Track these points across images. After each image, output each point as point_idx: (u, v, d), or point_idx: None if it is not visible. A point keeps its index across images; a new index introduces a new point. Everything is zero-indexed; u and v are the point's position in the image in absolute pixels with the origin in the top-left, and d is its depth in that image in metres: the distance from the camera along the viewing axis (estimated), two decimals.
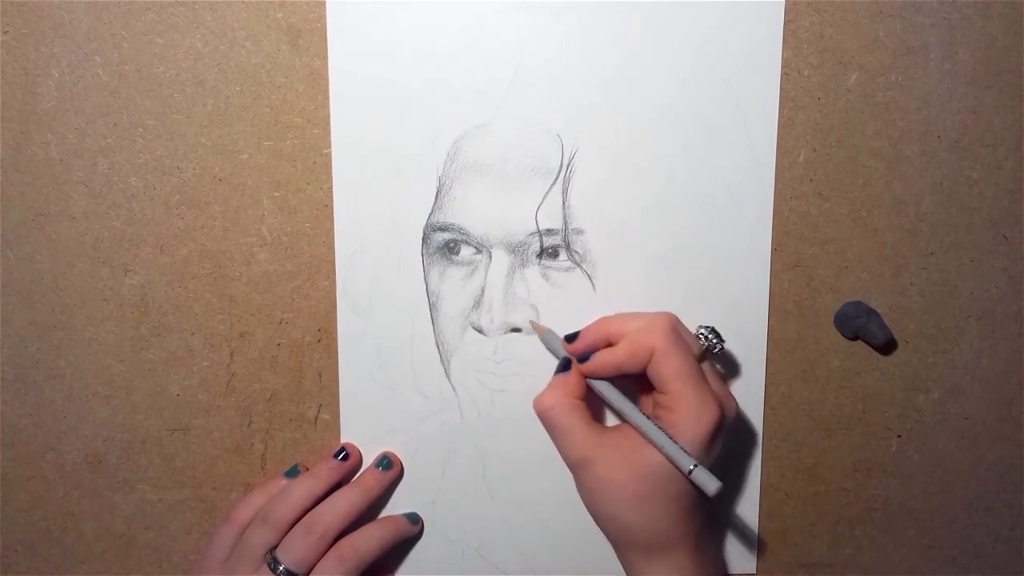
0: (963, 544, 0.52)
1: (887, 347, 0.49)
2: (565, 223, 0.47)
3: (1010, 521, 0.52)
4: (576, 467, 0.43)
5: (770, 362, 0.49)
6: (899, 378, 0.50)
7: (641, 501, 0.41)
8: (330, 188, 0.47)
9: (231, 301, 0.48)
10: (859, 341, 0.49)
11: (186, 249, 0.47)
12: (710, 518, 0.44)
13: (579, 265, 0.47)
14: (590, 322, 0.46)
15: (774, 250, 0.48)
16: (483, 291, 0.47)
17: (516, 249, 0.47)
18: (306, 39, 0.46)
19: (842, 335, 0.49)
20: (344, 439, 0.49)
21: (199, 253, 0.47)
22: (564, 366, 0.46)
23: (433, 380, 0.48)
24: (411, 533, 0.49)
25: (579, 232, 0.47)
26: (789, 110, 0.47)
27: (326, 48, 0.45)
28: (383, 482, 0.48)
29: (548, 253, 0.47)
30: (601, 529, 0.44)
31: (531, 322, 0.47)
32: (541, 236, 0.47)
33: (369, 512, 0.48)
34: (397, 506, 0.50)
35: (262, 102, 0.46)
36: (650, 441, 0.42)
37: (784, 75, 0.46)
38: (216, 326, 0.48)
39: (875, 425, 0.50)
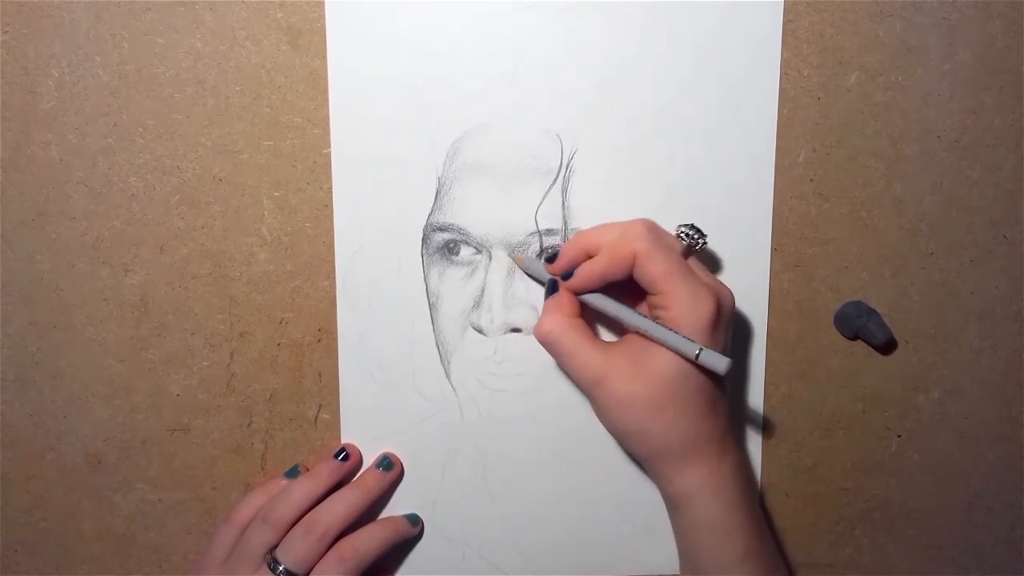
0: (963, 544, 0.52)
1: (887, 347, 0.49)
2: (565, 223, 0.47)
3: (1010, 521, 0.52)
4: (590, 386, 0.43)
5: (770, 362, 0.49)
6: (899, 378, 0.50)
7: (660, 408, 0.41)
8: (330, 188, 0.47)
9: (231, 301, 0.48)
10: (859, 341, 0.49)
11: (186, 249, 0.47)
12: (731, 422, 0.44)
13: None
14: (569, 239, 0.46)
15: (774, 250, 0.48)
16: (483, 291, 0.47)
17: (516, 249, 0.47)
18: (306, 39, 0.46)
19: (842, 335, 0.49)
20: (344, 440, 0.49)
21: (199, 253, 0.47)
22: (552, 288, 0.45)
23: (433, 380, 0.48)
24: (411, 534, 0.49)
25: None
26: (789, 110, 0.47)
27: (326, 48, 0.45)
28: (383, 483, 0.48)
29: (548, 253, 0.47)
30: (624, 446, 0.43)
31: (511, 256, 0.47)
32: (541, 236, 0.47)
33: (369, 513, 0.48)
34: (397, 507, 0.50)
35: (262, 102, 0.46)
36: (653, 338, 0.41)
37: (784, 75, 0.46)
38: (216, 326, 0.48)
39: (875, 425, 0.50)
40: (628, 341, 0.43)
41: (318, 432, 0.49)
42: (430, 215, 0.47)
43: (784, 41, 0.46)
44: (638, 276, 0.42)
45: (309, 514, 0.46)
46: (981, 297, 0.49)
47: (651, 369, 0.41)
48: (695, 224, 0.44)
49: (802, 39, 0.46)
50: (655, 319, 0.42)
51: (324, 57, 0.46)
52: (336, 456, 0.48)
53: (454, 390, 0.49)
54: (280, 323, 0.48)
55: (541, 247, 0.47)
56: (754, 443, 0.50)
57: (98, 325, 0.48)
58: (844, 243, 0.48)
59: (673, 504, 0.43)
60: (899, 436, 0.51)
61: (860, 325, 0.48)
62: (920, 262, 0.49)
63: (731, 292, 0.43)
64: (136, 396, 0.49)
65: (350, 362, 0.48)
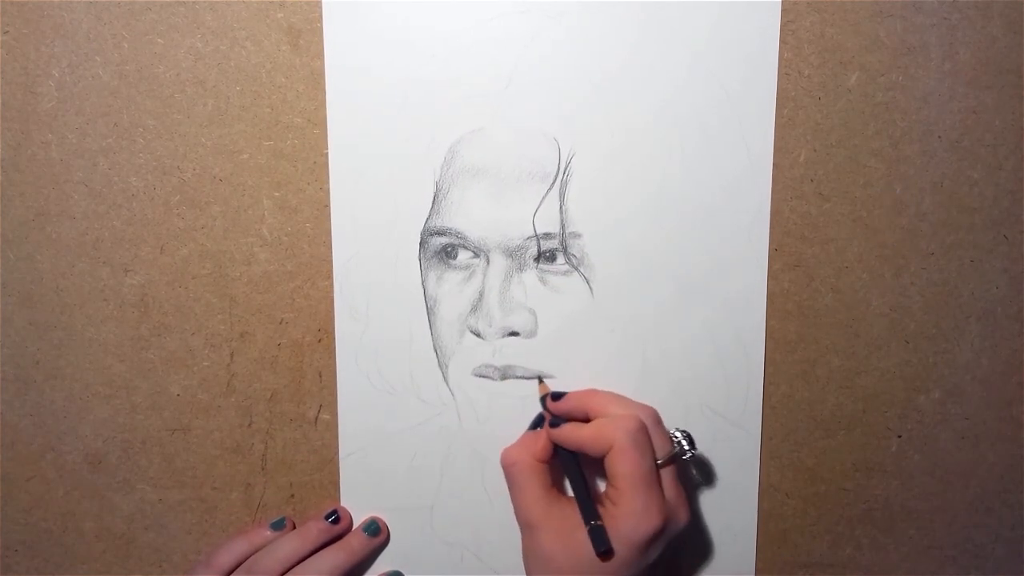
0: (963, 544, 0.52)
1: None
2: (562, 227, 0.47)
3: (1010, 521, 0.52)
4: (522, 528, 0.44)
5: (770, 362, 0.49)
6: (899, 378, 0.50)
7: None
8: (330, 189, 0.47)
9: (231, 301, 0.48)
10: (861, 340, 0.49)
11: (186, 249, 0.47)
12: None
13: (576, 269, 0.47)
14: (580, 390, 0.47)
15: (774, 250, 0.48)
16: (481, 295, 0.47)
17: (513, 253, 0.47)
18: (306, 39, 0.46)
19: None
20: (342, 443, 0.49)
21: (199, 253, 0.47)
22: (537, 423, 0.47)
23: (431, 384, 0.48)
24: None
25: (576, 236, 0.47)
26: (789, 110, 0.47)
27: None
28: (368, 547, 0.49)
29: (545, 257, 0.47)
30: None
31: (539, 379, 0.48)
32: (538, 240, 0.47)
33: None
34: (391, 526, 0.50)
35: (262, 102, 0.46)
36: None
37: (784, 75, 0.46)
38: (216, 326, 0.48)
39: (875, 425, 0.50)
40: (574, 506, 0.44)
41: (318, 432, 0.49)
42: (428, 219, 0.47)
43: (784, 41, 0.46)
44: (607, 466, 0.42)
45: (292, 571, 0.46)
46: (981, 297, 0.49)
47: (578, 542, 0.42)
48: (691, 434, 0.45)
49: (802, 39, 0.46)
50: (605, 505, 0.43)
51: (324, 58, 0.46)
52: (327, 518, 0.48)
53: (452, 393, 0.48)
54: (280, 323, 0.48)
55: (539, 251, 0.47)
56: (754, 443, 0.50)
57: (98, 325, 0.48)
58: (844, 243, 0.48)
59: None
60: (899, 436, 0.51)
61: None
62: (920, 262, 0.49)
63: (688, 515, 0.44)
64: (136, 396, 0.49)
65: (348, 366, 0.48)
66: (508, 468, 0.45)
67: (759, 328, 0.49)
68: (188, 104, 0.46)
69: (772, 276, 0.48)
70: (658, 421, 0.44)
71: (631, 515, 0.41)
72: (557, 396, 0.46)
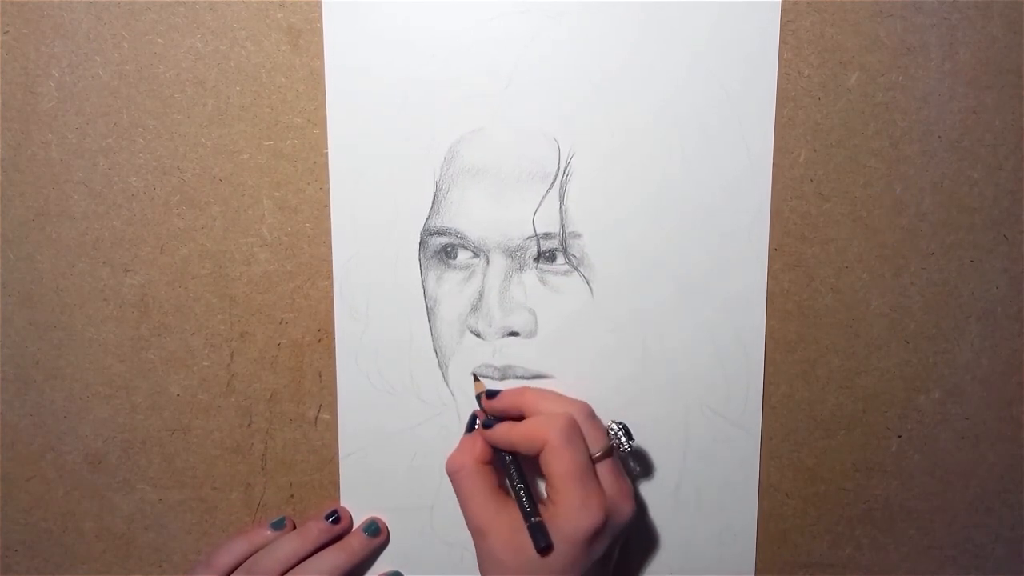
0: (963, 544, 0.52)
1: None
2: (562, 227, 0.47)
3: (1010, 521, 0.52)
4: (472, 534, 0.44)
5: (770, 362, 0.49)
6: (899, 378, 0.50)
7: None
8: (330, 189, 0.47)
9: (231, 301, 0.48)
10: (861, 340, 0.49)
11: (186, 249, 0.47)
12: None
13: (576, 269, 0.47)
14: (512, 388, 0.46)
15: (774, 250, 0.48)
16: (480, 295, 0.47)
17: (513, 253, 0.47)
18: (306, 39, 0.46)
19: None
20: (342, 443, 0.49)
21: (199, 253, 0.47)
22: (471, 424, 0.47)
23: (431, 384, 0.48)
24: None
25: (576, 236, 0.47)
26: (789, 110, 0.47)
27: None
28: (368, 547, 0.49)
29: (545, 257, 0.47)
30: None
31: (473, 375, 0.48)
32: (538, 240, 0.47)
33: None
34: (391, 526, 0.50)
35: (262, 102, 0.46)
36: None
37: (784, 75, 0.46)
38: (216, 326, 0.48)
39: (875, 425, 0.50)
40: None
41: (318, 432, 0.49)
42: (428, 219, 0.47)
43: (784, 41, 0.46)
44: (542, 464, 0.42)
45: (292, 572, 0.46)
46: (981, 297, 0.49)
47: (524, 542, 0.41)
48: (627, 426, 0.44)
49: (802, 39, 0.46)
50: (545, 504, 0.42)
51: (324, 58, 0.46)
52: (327, 518, 0.48)
53: (452, 394, 0.48)
54: (280, 323, 0.48)
55: (538, 251, 0.47)
56: (754, 443, 0.50)
57: (98, 325, 0.48)
58: (844, 243, 0.48)
59: None
60: (899, 436, 0.51)
61: None
62: (920, 262, 0.49)
63: (633, 507, 0.43)
64: (136, 396, 0.49)
65: (348, 366, 0.48)
66: (453, 475, 0.44)
67: (759, 328, 0.49)
68: (188, 104, 0.46)
69: (772, 276, 0.48)
70: (590, 415, 0.44)
71: (569, 511, 0.41)
72: (491, 394, 0.46)
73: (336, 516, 0.49)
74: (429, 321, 0.48)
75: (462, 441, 0.46)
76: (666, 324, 0.48)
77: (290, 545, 0.47)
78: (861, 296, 0.49)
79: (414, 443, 0.49)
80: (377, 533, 0.49)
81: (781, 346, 0.49)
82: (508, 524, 0.42)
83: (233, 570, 0.47)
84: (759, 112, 0.46)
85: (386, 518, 0.50)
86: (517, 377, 0.48)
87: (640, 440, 0.48)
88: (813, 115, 0.47)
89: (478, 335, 0.48)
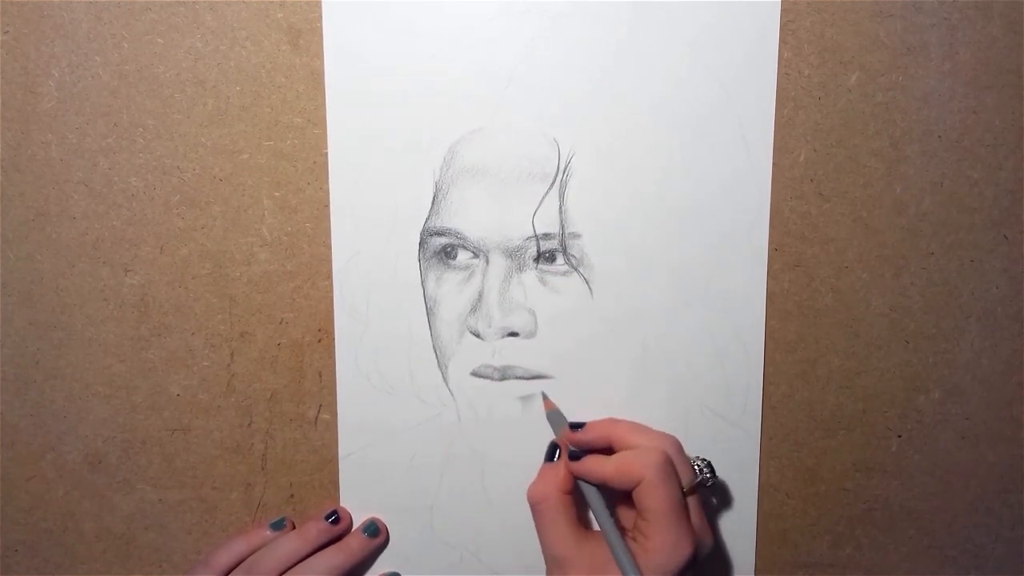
0: (963, 544, 0.52)
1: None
2: (562, 227, 0.47)
3: (1010, 521, 0.52)
4: (550, 564, 0.44)
5: (770, 362, 0.49)
6: (899, 378, 0.50)
7: None
8: (330, 189, 0.47)
9: (231, 301, 0.48)
10: (861, 340, 0.49)
11: (186, 249, 0.47)
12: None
13: (576, 269, 0.47)
14: (600, 420, 0.46)
15: (774, 250, 0.48)
16: (480, 295, 0.47)
17: (513, 253, 0.47)
18: (306, 39, 0.46)
19: None
20: (342, 443, 0.49)
21: (199, 253, 0.47)
22: (552, 453, 0.47)
23: (431, 384, 0.48)
24: None
25: (576, 236, 0.47)
26: (789, 110, 0.47)
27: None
28: (368, 548, 0.49)
29: (545, 257, 0.47)
30: None
31: (543, 395, 0.48)
32: (538, 240, 0.47)
33: None
34: (391, 526, 0.50)
35: (262, 102, 0.46)
36: (615, 557, 0.42)
37: (784, 75, 0.46)
38: (216, 326, 0.48)
39: (875, 425, 0.50)
40: (602, 541, 0.43)
41: (318, 432, 0.49)
42: (427, 219, 0.47)
43: (784, 41, 0.46)
44: (636, 499, 0.42)
45: (291, 571, 0.46)
46: (981, 297, 0.49)
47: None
48: (711, 463, 0.45)
49: (802, 39, 0.46)
50: (634, 536, 0.42)
51: (324, 58, 0.46)
52: (327, 518, 0.48)
53: (452, 394, 0.48)
54: (280, 323, 0.48)
55: (538, 251, 0.47)
56: (754, 443, 0.50)
57: (98, 325, 0.48)
58: (844, 243, 0.48)
59: None
60: (899, 436, 0.51)
61: None
62: (920, 262, 0.49)
63: (712, 538, 0.44)
64: (136, 396, 0.49)
65: (348, 366, 0.48)
66: (536, 505, 0.44)
67: (759, 328, 0.49)
68: (188, 104, 0.46)
69: (772, 276, 0.48)
70: (680, 450, 0.44)
71: (664, 548, 0.41)
72: (576, 426, 0.46)
73: (336, 516, 0.49)
74: (429, 321, 0.48)
75: (543, 470, 0.46)
76: (666, 324, 0.48)
77: (290, 545, 0.47)
78: (861, 296, 0.49)
79: (414, 443, 0.49)
80: (377, 534, 0.49)
81: (781, 346, 0.49)
82: (589, 556, 0.42)
83: (232, 570, 0.47)
84: (759, 112, 0.46)
85: (386, 518, 0.50)
86: (517, 377, 0.48)
87: None
88: (813, 115, 0.47)
89: (478, 335, 0.48)
